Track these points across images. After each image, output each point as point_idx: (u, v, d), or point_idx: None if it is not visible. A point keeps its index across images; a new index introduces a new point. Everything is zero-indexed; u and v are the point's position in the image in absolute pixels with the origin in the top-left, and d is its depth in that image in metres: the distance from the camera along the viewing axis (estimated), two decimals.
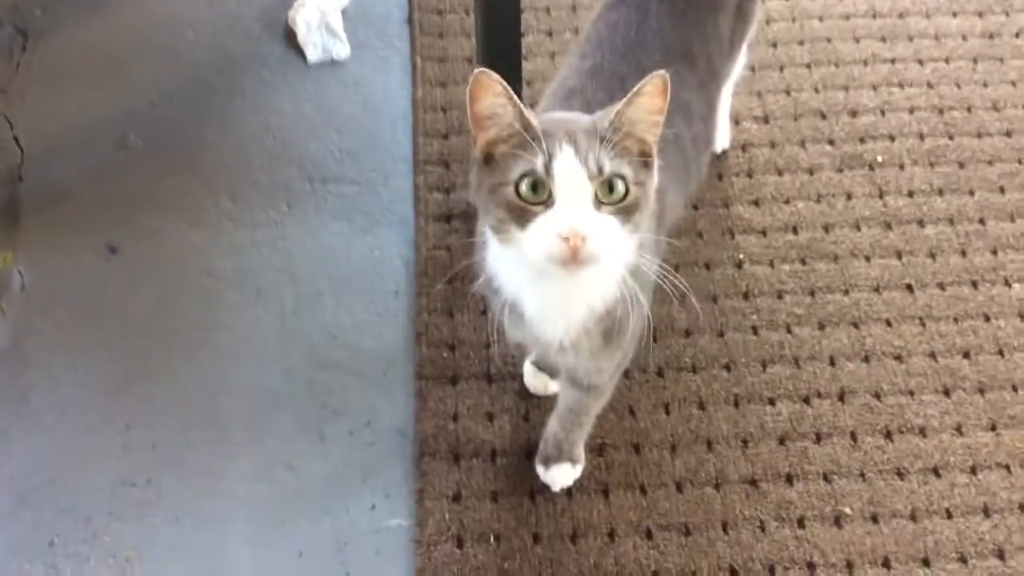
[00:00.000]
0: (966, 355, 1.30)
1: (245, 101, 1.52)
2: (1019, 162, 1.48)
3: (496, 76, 0.81)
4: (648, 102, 0.82)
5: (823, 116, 1.52)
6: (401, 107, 1.53)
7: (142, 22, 1.59)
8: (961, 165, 1.47)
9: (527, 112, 0.82)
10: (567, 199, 0.80)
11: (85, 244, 1.37)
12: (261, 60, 1.56)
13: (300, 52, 1.57)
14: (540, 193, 0.81)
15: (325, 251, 1.38)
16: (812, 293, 1.35)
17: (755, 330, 1.32)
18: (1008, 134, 1.51)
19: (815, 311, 1.33)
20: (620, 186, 0.82)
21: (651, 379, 1.26)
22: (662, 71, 0.82)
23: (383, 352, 1.29)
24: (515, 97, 0.82)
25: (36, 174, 1.43)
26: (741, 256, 1.38)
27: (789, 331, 1.32)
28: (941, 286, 1.36)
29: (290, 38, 1.58)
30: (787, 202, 1.44)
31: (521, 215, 0.81)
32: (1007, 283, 1.36)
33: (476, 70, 0.81)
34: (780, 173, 1.47)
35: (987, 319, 1.33)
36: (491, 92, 0.81)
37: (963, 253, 1.39)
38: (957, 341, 1.31)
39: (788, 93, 1.55)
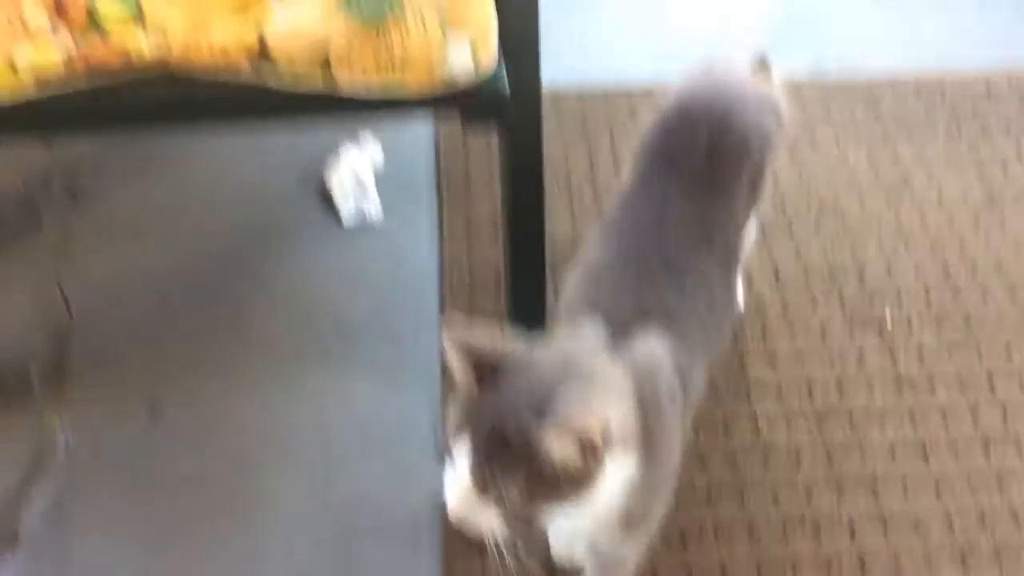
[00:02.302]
0: (981, 520, 1.33)
1: (282, 259, 1.60)
2: None
3: (457, 341, 0.88)
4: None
5: (832, 277, 1.59)
6: (429, 266, 1.60)
7: (187, 182, 1.68)
8: (968, 327, 1.53)
9: (470, 388, 0.88)
10: (461, 487, 0.89)
11: (128, 404, 1.42)
12: (299, 220, 1.64)
13: (335, 212, 1.65)
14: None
15: (356, 411, 1.43)
16: (829, 458, 1.39)
17: (775, 496, 1.36)
18: (1012, 295, 1.57)
19: (833, 476, 1.38)
20: (511, 502, 0.87)
21: (674, 548, 1.30)
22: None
23: (411, 516, 1.33)
24: (464, 367, 0.88)
25: (83, 334, 1.50)
26: (758, 419, 1.43)
27: (808, 497, 1.36)
28: (954, 451, 1.40)
29: (326, 198, 1.66)
30: (801, 363, 1.49)
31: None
32: (1018, 448, 1.41)
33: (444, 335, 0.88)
34: (793, 333, 1.53)
35: (1000, 485, 1.37)
36: (451, 356, 0.89)
37: (974, 417, 1.44)
38: (972, 508, 1.35)
39: (797, 254, 1.62)
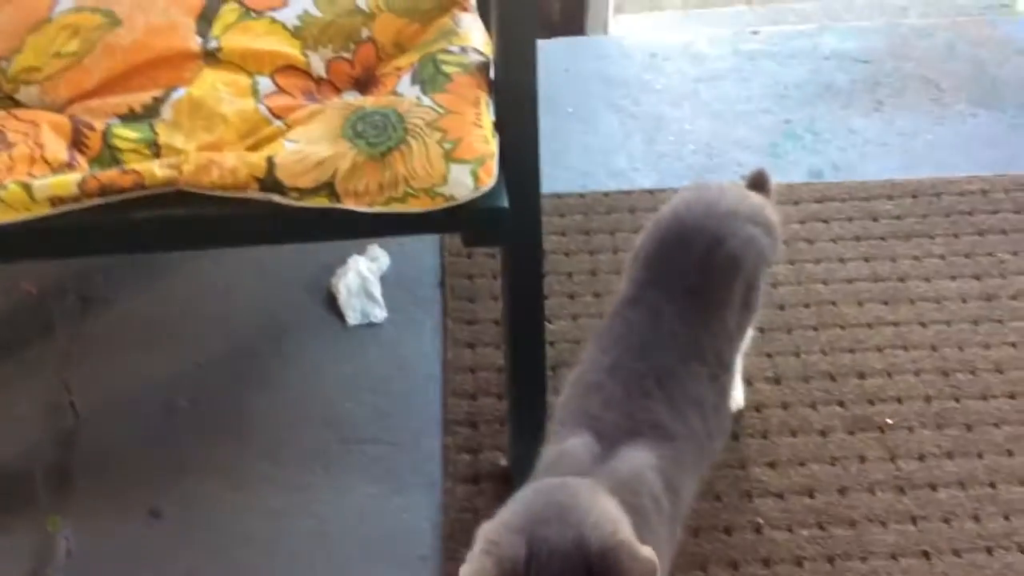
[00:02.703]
0: None
1: (287, 364, 1.63)
2: None
3: None
4: None
5: (832, 378, 1.60)
6: (432, 368, 1.63)
7: (196, 290, 1.72)
8: (969, 428, 1.53)
9: None
10: None
11: (130, 508, 1.43)
12: (303, 324, 1.68)
13: (340, 316, 1.68)
14: None
15: (356, 514, 1.44)
16: (831, 560, 1.38)
17: None
18: (1012, 396, 1.57)
19: None
20: None
21: None
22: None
23: None
24: None
25: (89, 438, 1.52)
26: (760, 520, 1.43)
27: None
28: (956, 553, 1.39)
29: (331, 303, 1.70)
30: (802, 464, 1.49)
31: None
32: (1021, 550, 1.39)
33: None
34: (794, 434, 1.53)
35: None
36: None
37: (976, 519, 1.42)
38: None
39: (797, 355, 1.63)
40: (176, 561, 1.38)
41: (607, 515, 0.94)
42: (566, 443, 1.09)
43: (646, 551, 0.88)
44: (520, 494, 0.99)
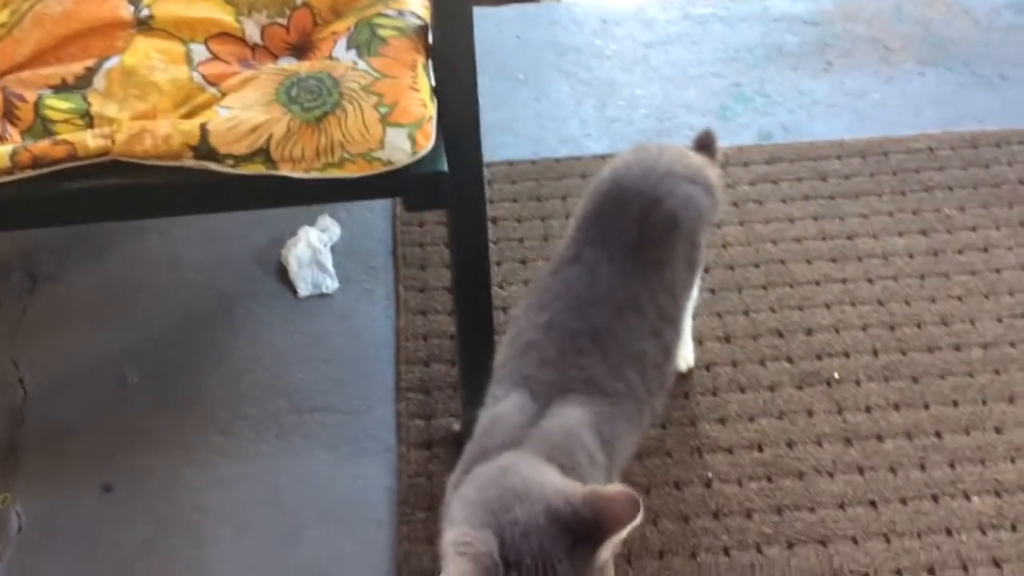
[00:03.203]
0: (931, 571, 1.34)
1: (238, 336, 1.62)
2: (970, 375, 1.56)
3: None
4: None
5: (781, 335, 1.62)
6: (385, 336, 1.63)
7: (144, 264, 1.71)
8: (915, 380, 1.56)
9: None
10: None
11: (82, 482, 1.43)
12: (254, 296, 1.67)
13: (291, 287, 1.68)
14: None
15: (310, 482, 1.44)
16: (779, 511, 1.40)
17: (727, 551, 1.36)
18: (957, 348, 1.60)
19: (783, 529, 1.38)
20: None
21: None
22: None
23: None
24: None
25: (38, 414, 1.51)
26: (710, 475, 1.45)
27: (759, 551, 1.36)
28: (903, 501, 1.42)
29: (282, 274, 1.70)
30: (751, 420, 1.51)
31: None
32: (966, 496, 1.42)
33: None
34: (743, 391, 1.55)
35: (949, 533, 1.38)
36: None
37: (922, 467, 1.45)
38: (922, 557, 1.35)
39: (747, 314, 1.65)
40: (131, 531, 1.38)
41: (557, 480, 0.96)
42: (500, 405, 1.10)
43: (614, 486, 0.90)
44: (464, 494, 0.98)
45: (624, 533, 0.91)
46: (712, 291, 1.66)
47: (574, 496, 0.92)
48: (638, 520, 0.90)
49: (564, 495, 0.92)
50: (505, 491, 0.94)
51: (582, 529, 0.90)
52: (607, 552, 0.92)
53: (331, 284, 1.69)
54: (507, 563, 0.88)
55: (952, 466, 1.45)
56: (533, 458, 1.00)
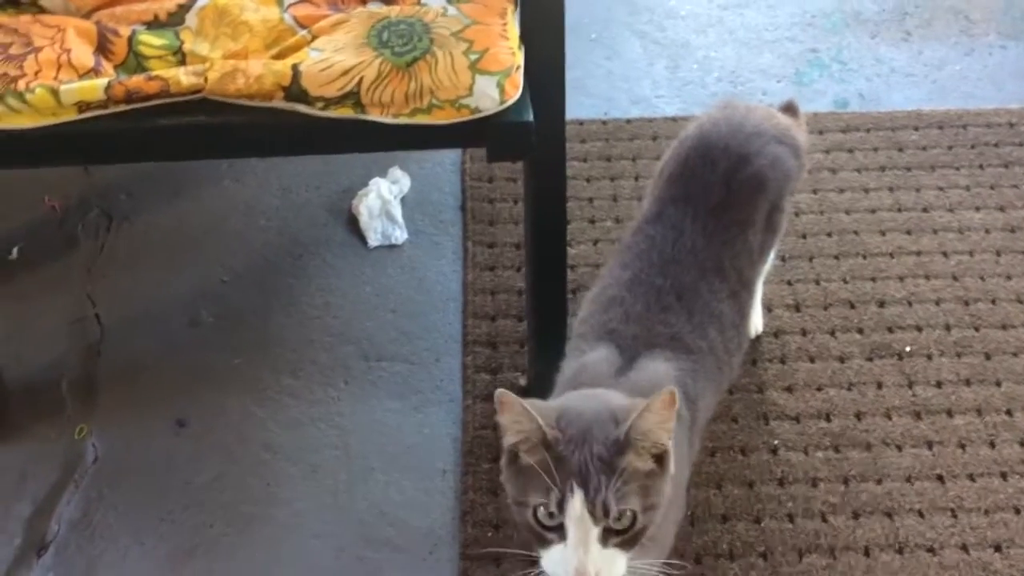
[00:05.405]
0: (997, 548, 1.33)
1: (309, 282, 1.64)
2: None
3: (515, 397, 0.91)
4: (657, 415, 0.90)
5: (852, 306, 1.60)
6: (453, 289, 1.63)
7: (219, 208, 1.73)
8: (987, 356, 1.53)
9: (545, 428, 0.90)
10: (576, 538, 0.89)
11: (156, 418, 1.46)
12: (325, 244, 1.69)
13: (361, 237, 1.69)
14: (554, 520, 0.90)
15: (378, 428, 1.46)
16: (846, 481, 1.40)
17: (791, 518, 1.36)
18: None
19: (849, 500, 1.38)
20: (628, 516, 0.90)
21: (690, 566, 1.30)
22: (671, 388, 0.90)
23: (430, 530, 1.35)
24: (534, 414, 0.90)
25: (114, 350, 1.54)
26: (776, 442, 1.44)
27: (824, 520, 1.36)
28: (971, 477, 1.40)
29: (352, 224, 1.71)
30: (819, 389, 1.50)
31: (539, 538, 0.92)
32: None
33: (497, 391, 0.91)
34: (812, 360, 1.53)
35: (1017, 512, 1.36)
36: (511, 411, 0.91)
37: (992, 444, 1.43)
38: (988, 534, 1.34)
39: (818, 283, 1.63)
40: (203, 467, 1.41)
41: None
42: (587, 356, 1.10)
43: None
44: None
45: (652, 420, 0.90)
46: (783, 259, 1.65)
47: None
48: (665, 410, 0.89)
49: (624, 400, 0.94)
50: (581, 396, 0.98)
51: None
52: (642, 441, 0.91)
53: (400, 235, 1.70)
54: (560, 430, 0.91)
55: (1022, 444, 1.43)
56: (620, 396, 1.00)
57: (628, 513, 0.90)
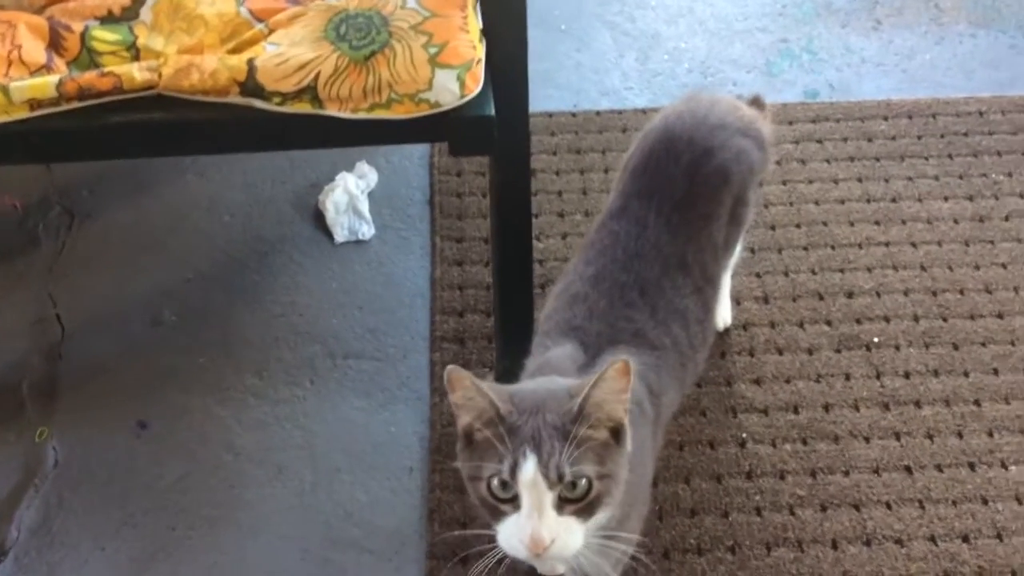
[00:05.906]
0: (965, 539, 1.33)
1: (275, 279, 1.62)
2: (1012, 344, 1.54)
3: (465, 372, 0.90)
4: (612, 384, 0.89)
5: (820, 297, 1.59)
6: (420, 285, 1.62)
7: (182, 205, 1.70)
8: (955, 347, 1.53)
9: (497, 402, 0.90)
10: (530, 506, 0.88)
11: (117, 419, 1.44)
12: (291, 241, 1.67)
13: (328, 233, 1.67)
14: (508, 491, 0.89)
15: (344, 427, 1.44)
16: (813, 474, 1.39)
17: (759, 511, 1.36)
18: (1000, 316, 1.57)
19: (817, 492, 1.37)
20: (583, 484, 0.89)
21: (657, 561, 1.30)
22: (624, 357, 0.89)
23: (396, 529, 1.34)
24: (485, 389, 0.90)
25: (75, 351, 1.52)
26: (744, 435, 1.43)
27: (792, 512, 1.36)
28: (939, 468, 1.40)
29: (319, 220, 1.69)
30: (788, 381, 1.50)
31: (493, 511, 0.90)
32: (1004, 465, 1.40)
33: (448, 368, 0.91)
34: (780, 352, 1.53)
35: (985, 502, 1.36)
36: (462, 386, 0.91)
37: (960, 435, 1.43)
38: (956, 525, 1.34)
39: (786, 274, 1.63)
40: (165, 469, 1.39)
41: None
42: (550, 352, 1.09)
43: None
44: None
45: (606, 389, 0.89)
46: (752, 251, 1.64)
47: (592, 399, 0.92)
48: (619, 379, 0.89)
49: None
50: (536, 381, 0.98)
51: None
52: (597, 412, 0.90)
53: (367, 231, 1.68)
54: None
55: (990, 434, 1.43)
56: None
57: (583, 480, 0.88)
